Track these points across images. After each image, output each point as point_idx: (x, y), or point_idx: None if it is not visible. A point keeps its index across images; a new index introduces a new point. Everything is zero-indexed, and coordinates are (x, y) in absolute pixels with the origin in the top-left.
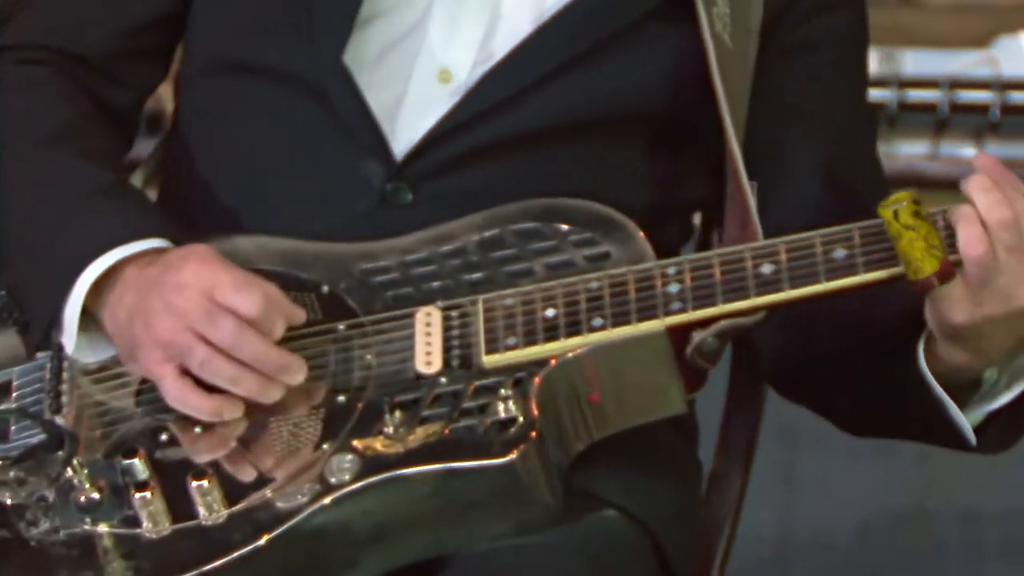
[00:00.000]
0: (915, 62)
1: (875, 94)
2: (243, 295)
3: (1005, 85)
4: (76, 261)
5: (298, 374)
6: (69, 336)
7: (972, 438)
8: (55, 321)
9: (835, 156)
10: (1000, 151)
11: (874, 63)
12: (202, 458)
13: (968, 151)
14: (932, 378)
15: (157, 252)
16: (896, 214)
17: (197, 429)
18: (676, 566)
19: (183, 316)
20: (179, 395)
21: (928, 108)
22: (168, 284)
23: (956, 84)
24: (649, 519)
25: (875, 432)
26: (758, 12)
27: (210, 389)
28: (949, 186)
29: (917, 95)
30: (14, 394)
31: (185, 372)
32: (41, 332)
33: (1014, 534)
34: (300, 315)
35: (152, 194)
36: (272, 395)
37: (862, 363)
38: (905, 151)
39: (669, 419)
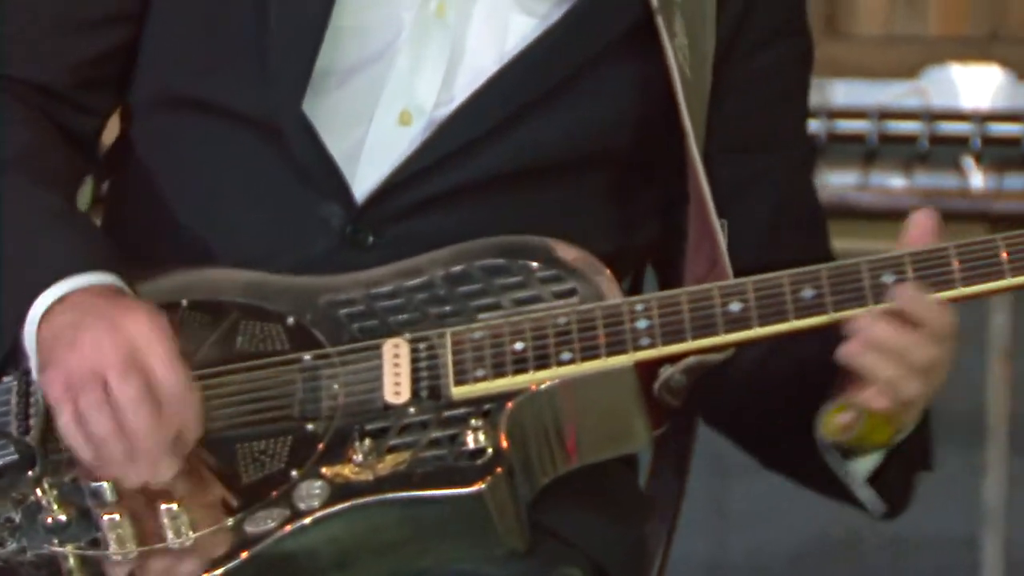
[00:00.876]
0: (844, 93)
1: None
2: (166, 366)
3: (934, 116)
4: (29, 289)
5: (166, 474)
6: (33, 360)
7: (880, 510)
8: (15, 347)
9: (784, 191)
10: (929, 181)
11: None
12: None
13: (897, 181)
14: (841, 470)
15: (109, 288)
16: (860, 438)
17: None
18: None
19: (100, 354)
20: (69, 427)
21: (857, 138)
22: (108, 321)
23: (885, 115)
24: (599, 559)
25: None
26: (711, 40)
27: None
28: (878, 216)
29: (846, 125)
30: None
31: None
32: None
33: (942, 561)
34: (194, 431)
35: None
36: (129, 479)
37: (761, 425)
38: (835, 181)
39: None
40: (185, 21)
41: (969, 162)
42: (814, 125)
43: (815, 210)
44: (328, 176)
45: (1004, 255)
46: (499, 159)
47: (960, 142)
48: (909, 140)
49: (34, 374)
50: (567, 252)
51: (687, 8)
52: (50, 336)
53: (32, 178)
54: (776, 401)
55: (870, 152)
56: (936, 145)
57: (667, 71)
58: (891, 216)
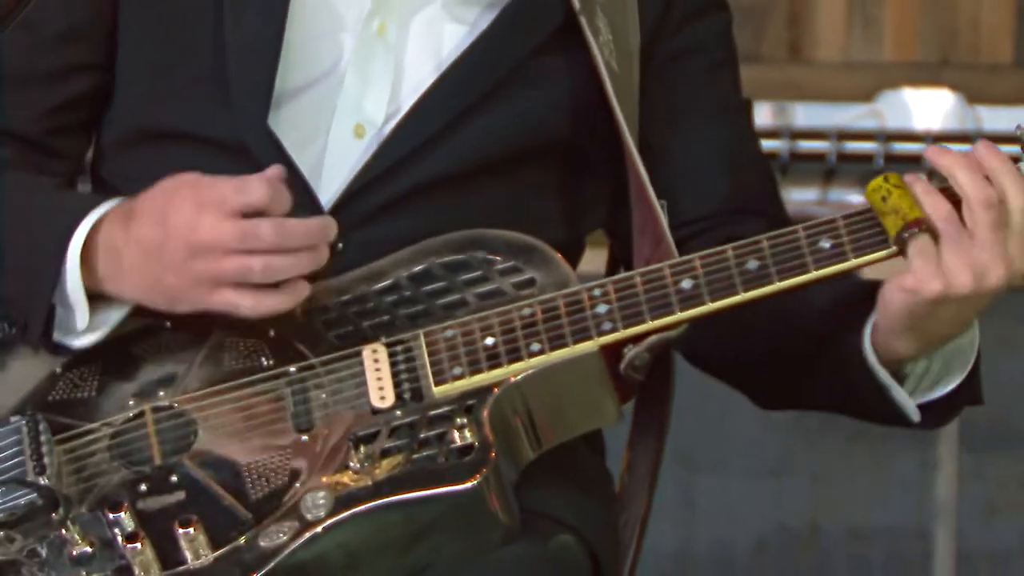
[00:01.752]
0: (805, 115)
1: (768, 144)
2: (248, 191)
3: (889, 136)
4: (60, 233)
5: (334, 228)
6: (81, 309)
7: (916, 416)
8: (62, 303)
9: (727, 148)
10: None
11: (767, 115)
12: (186, 505)
13: (855, 197)
14: (877, 363)
15: (128, 205)
16: (887, 178)
17: (174, 478)
18: (606, 573)
19: (217, 246)
20: (255, 305)
21: (817, 157)
22: (179, 225)
23: (843, 135)
24: (586, 532)
25: (802, 407)
26: (636, 35)
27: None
28: None
29: (807, 145)
30: None
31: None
32: (42, 322)
33: (897, 550)
34: (287, 197)
35: None
36: (323, 255)
37: (796, 347)
38: (796, 197)
39: (584, 437)
40: (148, 60)
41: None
42: (776, 145)
43: (760, 159)
44: (296, 187)
45: None
46: (446, 161)
47: (913, 161)
48: (866, 159)
49: (80, 324)
50: (521, 241)
51: (609, 8)
52: (122, 245)
53: (28, 175)
54: (814, 327)
55: (829, 170)
56: (891, 163)
57: (595, 67)
58: None
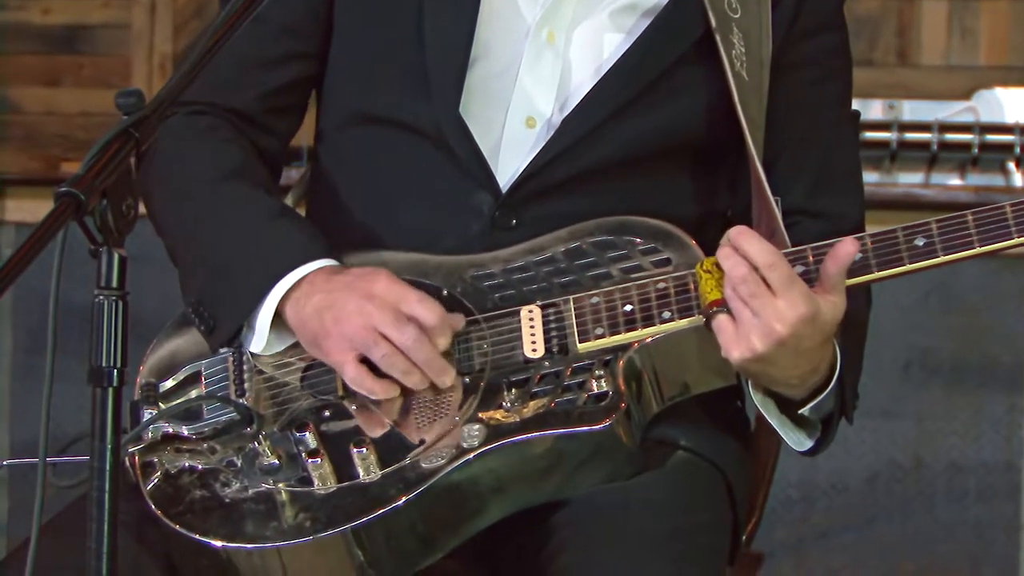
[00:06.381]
0: (911, 110)
1: (879, 135)
2: (425, 307)
3: (983, 129)
4: (268, 276)
5: (449, 380)
6: (260, 336)
7: (800, 449)
8: (248, 324)
9: (818, 154)
10: (979, 181)
11: (879, 111)
12: (361, 429)
13: (954, 180)
14: (763, 411)
15: (334, 268)
16: (702, 264)
17: (353, 407)
18: (739, 499)
19: (372, 317)
20: (357, 378)
21: (922, 146)
22: (361, 291)
23: (944, 128)
24: (719, 461)
25: None
26: (768, 46)
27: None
28: (939, 208)
29: (913, 136)
30: (204, 382)
31: (362, 360)
32: (228, 335)
33: (990, 483)
34: (461, 321)
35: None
36: (421, 384)
37: None
38: (904, 180)
39: (725, 387)
40: (360, 53)
41: (1011, 166)
42: (887, 136)
43: (852, 169)
44: (480, 169)
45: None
46: (603, 151)
47: (1005, 149)
48: (964, 148)
49: (256, 348)
50: (662, 227)
51: (744, 22)
52: (306, 317)
53: (251, 185)
54: None
55: (932, 157)
56: (985, 152)
57: (726, 78)
58: (950, 208)
